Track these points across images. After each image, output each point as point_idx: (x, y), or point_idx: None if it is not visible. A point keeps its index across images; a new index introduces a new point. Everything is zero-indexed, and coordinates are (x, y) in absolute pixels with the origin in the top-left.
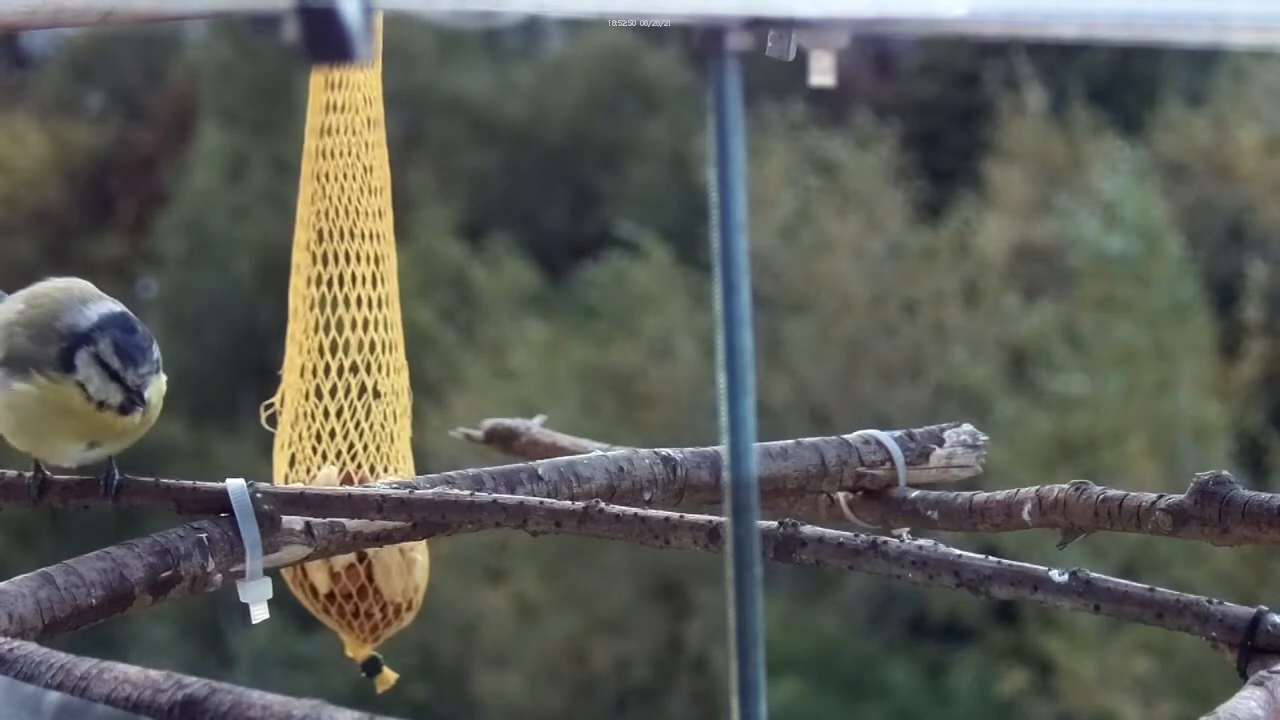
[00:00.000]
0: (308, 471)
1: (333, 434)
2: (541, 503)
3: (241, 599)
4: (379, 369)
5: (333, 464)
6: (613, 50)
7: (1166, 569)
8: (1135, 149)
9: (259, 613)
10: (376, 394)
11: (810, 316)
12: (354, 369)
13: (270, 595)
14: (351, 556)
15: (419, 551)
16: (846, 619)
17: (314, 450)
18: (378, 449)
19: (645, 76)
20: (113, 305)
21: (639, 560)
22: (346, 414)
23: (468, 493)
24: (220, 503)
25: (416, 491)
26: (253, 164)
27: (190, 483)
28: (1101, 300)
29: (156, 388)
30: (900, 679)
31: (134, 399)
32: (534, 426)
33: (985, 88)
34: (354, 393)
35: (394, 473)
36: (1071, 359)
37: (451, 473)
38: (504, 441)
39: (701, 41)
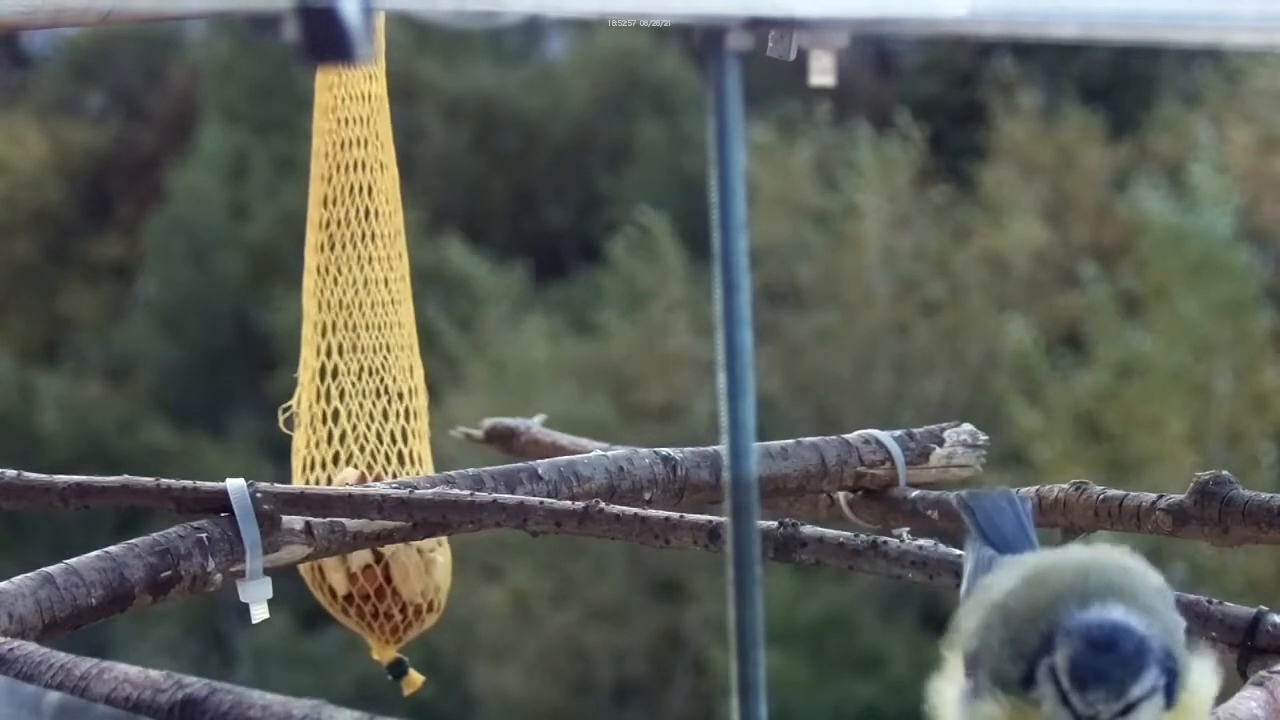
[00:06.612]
0: (325, 473)
1: (350, 435)
2: (541, 502)
3: (241, 599)
4: (394, 369)
5: (354, 466)
6: (622, 50)
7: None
8: (1222, 138)
9: (259, 612)
10: (392, 394)
11: (828, 310)
12: (369, 369)
13: (270, 595)
14: (369, 557)
15: (439, 552)
16: (856, 596)
17: (331, 452)
18: (395, 449)
19: (655, 76)
20: (1110, 608)
21: (634, 554)
22: (363, 415)
23: (468, 493)
24: (220, 502)
25: (416, 491)
26: (254, 162)
27: (190, 483)
28: (1161, 281)
29: None
30: (905, 656)
31: None
32: (534, 426)
33: (985, 87)
34: (370, 393)
35: (414, 472)
36: (1127, 327)
37: (451, 472)
38: (504, 441)
39: (701, 41)
